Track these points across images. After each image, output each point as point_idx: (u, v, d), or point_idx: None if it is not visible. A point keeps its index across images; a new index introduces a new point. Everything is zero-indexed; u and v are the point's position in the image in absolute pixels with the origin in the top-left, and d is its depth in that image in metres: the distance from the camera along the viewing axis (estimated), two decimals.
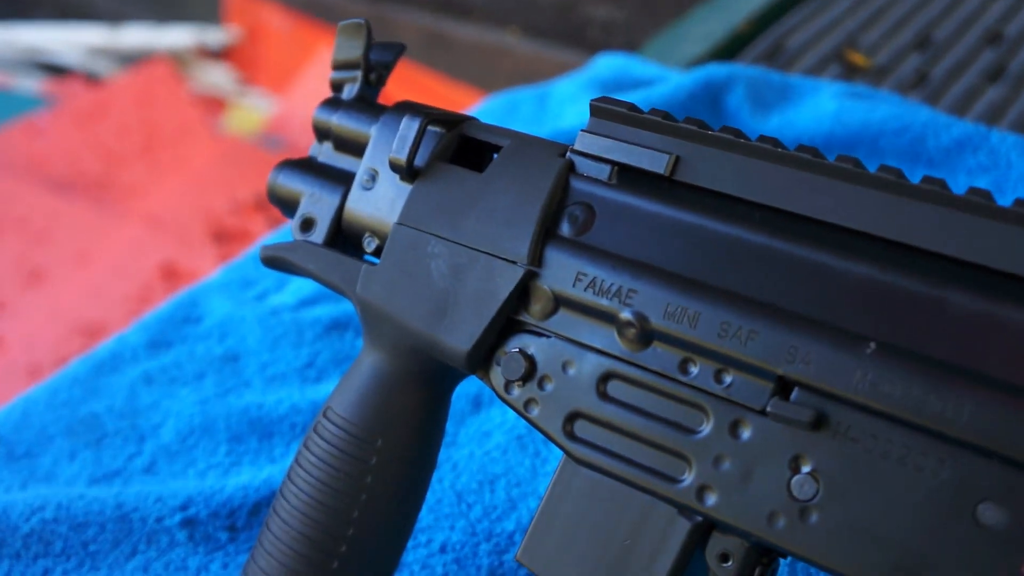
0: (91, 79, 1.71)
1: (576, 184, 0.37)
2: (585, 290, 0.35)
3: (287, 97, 1.70)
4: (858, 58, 0.87)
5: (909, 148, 0.71)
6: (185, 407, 0.60)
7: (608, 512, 0.35)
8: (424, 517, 0.53)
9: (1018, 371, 0.28)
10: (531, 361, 0.36)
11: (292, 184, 0.44)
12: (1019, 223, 0.29)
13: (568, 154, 0.37)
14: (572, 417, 0.35)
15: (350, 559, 0.40)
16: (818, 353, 0.30)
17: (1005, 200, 0.68)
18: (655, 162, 0.35)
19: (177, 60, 1.71)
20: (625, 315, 0.34)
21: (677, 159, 0.35)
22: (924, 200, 0.30)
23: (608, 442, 0.35)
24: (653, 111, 0.36)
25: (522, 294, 0.37)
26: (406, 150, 0.39)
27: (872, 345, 0.30)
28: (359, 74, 0.44)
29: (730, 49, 0.91)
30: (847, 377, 0.30)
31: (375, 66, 0.45)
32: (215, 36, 1.77)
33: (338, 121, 0.44)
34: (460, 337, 0.37)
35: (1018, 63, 0.85)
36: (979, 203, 0.29)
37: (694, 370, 0.33)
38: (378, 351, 0.40)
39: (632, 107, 0.36)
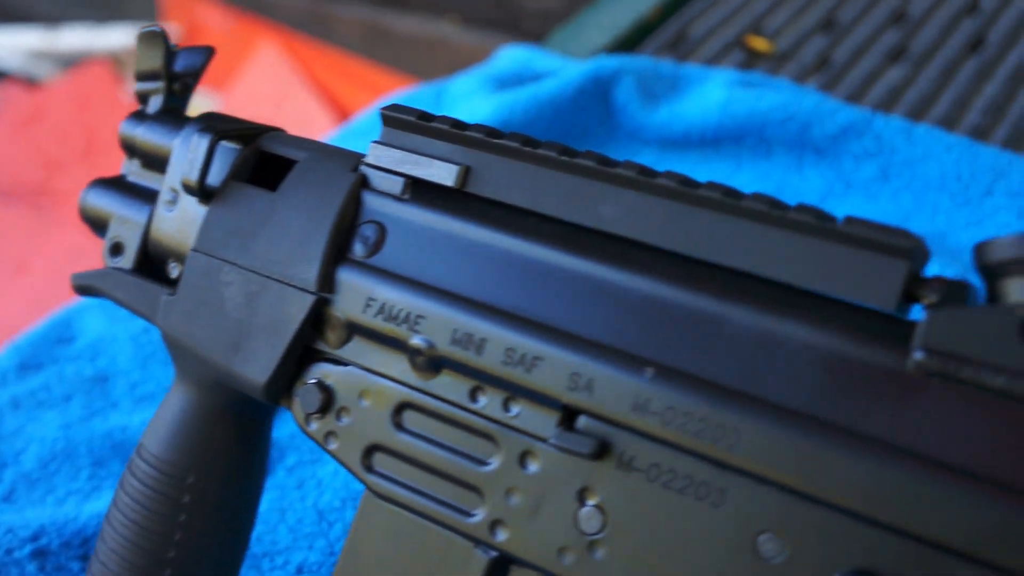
0: (30, 83, 1.69)
1: (369, 200, 0.35)
2: (375, 316, 0.34)
3: (229, 95, 1.68)
4: (760, 43, 0.86)
5: (796, 137, 0.69)
6: (49, 431, 0.59)
7: (410, 547, 0.33)
8: (284, 537, 0.52)
9: (794, 393, 0.27)
10: (328, 392, 0.35)
11: (101, 204, 0.42)
12: (800, 231, 0.27)
13: (361, 167, 0.35)
14: (370, 450, 0.34)
15: None
16: (600, 379, 0.29)
17: (889, 187, 0.67)
18: (445, 174, 0.34)
19: (116, 61, 1.70)
20: (414, 341, 0.33)
21: (467, 170, 0.33)
22: (707, 208, 0.29)
23: (405, 475, 0.33)
24: (443, 118, 0.34)
25: (316, 321, 0.35)
26: (196, 170, 0.37)
27: (651, 370, 0.29)
28: (162, 85, 0.42)
29: (635, 39, 0.90)
30: (627, 404, 0.29)
31: (180, 75, 0.43)
32: None
33: (141, 136, 0.42)
34: (256, 369, 0.35)
35: (919, 42, 0.84)
36: (763, 211, 0.28)
37: (483, 399, 0.32)
38: (185, 384, 0.39)
39: (423, 115, 0.34)
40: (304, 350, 0.35)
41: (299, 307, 0.35)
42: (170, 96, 0.42)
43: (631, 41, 0.89)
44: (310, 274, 0.35)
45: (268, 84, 1.67)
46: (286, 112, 1.59)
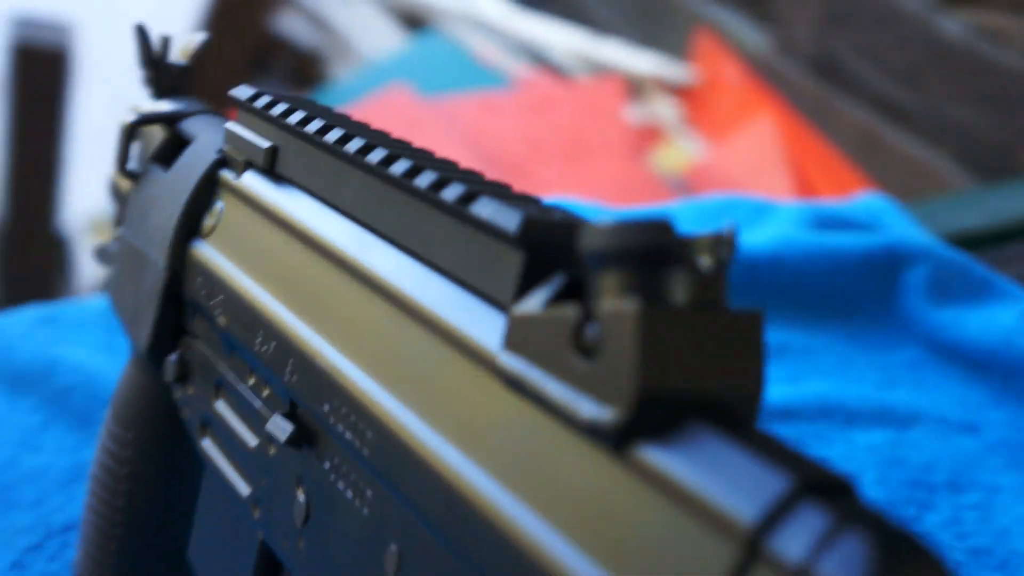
0: (558, 75, 1.88)
1: (222, 179, 0.35)
2: (200, 292, 0.35)
3: (717, 144, 1.73)
4: None
5: None
6: None
7: (220, 514, 0.34)
8: None
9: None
10: (184, 366, 0.36)
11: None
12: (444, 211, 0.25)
13: (223, 148, 0.36)
14: (204, 423, 0.35)
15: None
16: (304, 365, 0.29)
17: None
18: (255, 154, 0.33)
19: (632, 82, 1.81)
20: (219, 321, 0.33)
21: (274, 151, 0.33)
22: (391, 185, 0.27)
23: (221, 447, 0.34)
24: (279, 99, 0.33)
25: (175, 296, 0.36)
26: (117, 155, 0.40)
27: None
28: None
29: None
30: (314, 392, 0.28)
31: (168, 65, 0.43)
32: (677, 71, 1.84)
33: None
34: (141, 341, 0.38)
35: None
36: (416, 188, 0.26)
37: (251, 380, 0.32)
38: (130, 356, 0.41)
39: (260, 96, 0.34)
40: (176, 323, 0.37)
41: (156, 281, 0.36)
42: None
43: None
44: (164, 250, 0.36)
45: (752, 151, 1.69)
46: (757, 183, 1.59)
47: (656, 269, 0.19)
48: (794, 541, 0.16)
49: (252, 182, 0.33)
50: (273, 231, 0.32)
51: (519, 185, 1.77)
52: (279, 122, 0.32)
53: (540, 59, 1.94)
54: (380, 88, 1.80)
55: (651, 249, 0.19)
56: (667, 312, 0.19)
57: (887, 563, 0.15)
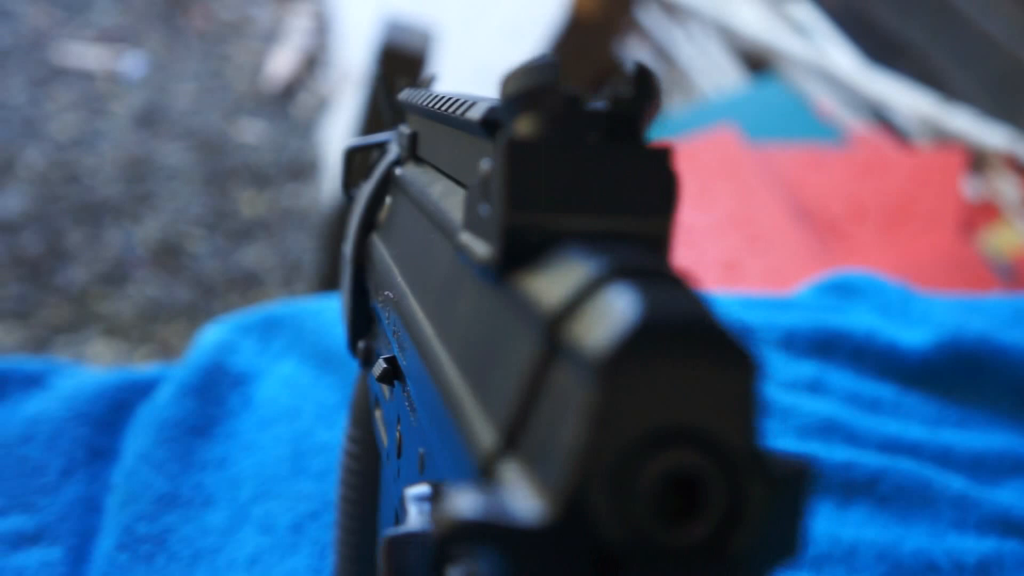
0: (895, 137, 1.80)
1: (392, 175, 0.36)
2: (370, 280, 0.36)
3: None
4: None
5: None
6: None
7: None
8: None
9: None
10: (369, 352, 0.37)
11: None
12: None
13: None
14: (376, 400, 0.36)
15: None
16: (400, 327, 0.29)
17: None
18: (403, 143, 0.34)
19: (975, 154, 1.71)
20: (376, 298, 0.34)
21: (414, 136, 0.34)
22: None
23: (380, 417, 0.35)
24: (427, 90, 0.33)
25: (362, 288, 0.38)
26: (342, 178, 0.42)
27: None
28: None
29: None
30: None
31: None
32: None
33: None
34: (348, 334, 0.39)
35: None
36: None
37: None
38: None
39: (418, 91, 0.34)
40: (366, 313, 0.38)
41: (347, 275, 0.38)
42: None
43: None
44: (351, 245, 0.38)
45: None
46: None
47: (531, 107, 0.18)
48: (588, 323, 0.15)
49: (402, 170, 0.35)
50: (407, 209, 0.33)
51: (831, 245, 1.71)
52: (417, 108, 0.33)
53: (880, 118, 1.87)
54: (708, 126, 1.80)
55: (529, 90, 0.19)
56: (538, 145, 0.18)
57: (647, 331, 0.15)
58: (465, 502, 0.15)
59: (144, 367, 0.58)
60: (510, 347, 0.18)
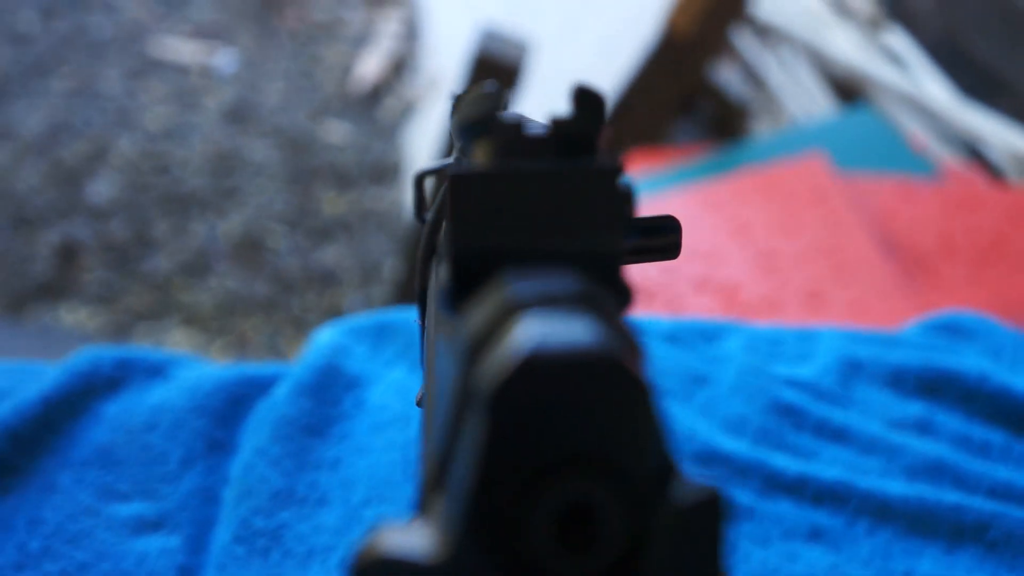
0: (990, 174, 1.77)
1: None
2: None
3: None
4: None
5: None
6: None
7: None
8: None
9: None
10: None
11: None
12: None
13: None
14: None
15: None
16: None
17: None
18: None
19: None
20: None
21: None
22: None
23: None
24: None
25: None
26: (414, 203, 0.43)
27: None
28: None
29: None
30: None
31: None
32: None
33: None
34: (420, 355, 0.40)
35: None
36: None
37: None
38: None
39: None
40: None
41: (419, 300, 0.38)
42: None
43: None
44: (418, 272, 0.37)
45: None
46: None
47: (480, 136, 0.19)
48: (490, 356, 0.15)
49: None
50: None
51: (919, 280, 1.68)
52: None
53: (974, 154, 1.84)
54: (797, 152, 1.78)
55: (479, 118, 0.19)
56: (480, 175, 0.18)
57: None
58: (382, 538, 0.16)
59: (261, 364, 0.59)
60: (452, 378, 0.18)
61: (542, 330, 0.15)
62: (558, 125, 0.19)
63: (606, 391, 0.15)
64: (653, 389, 0.16)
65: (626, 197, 0.20)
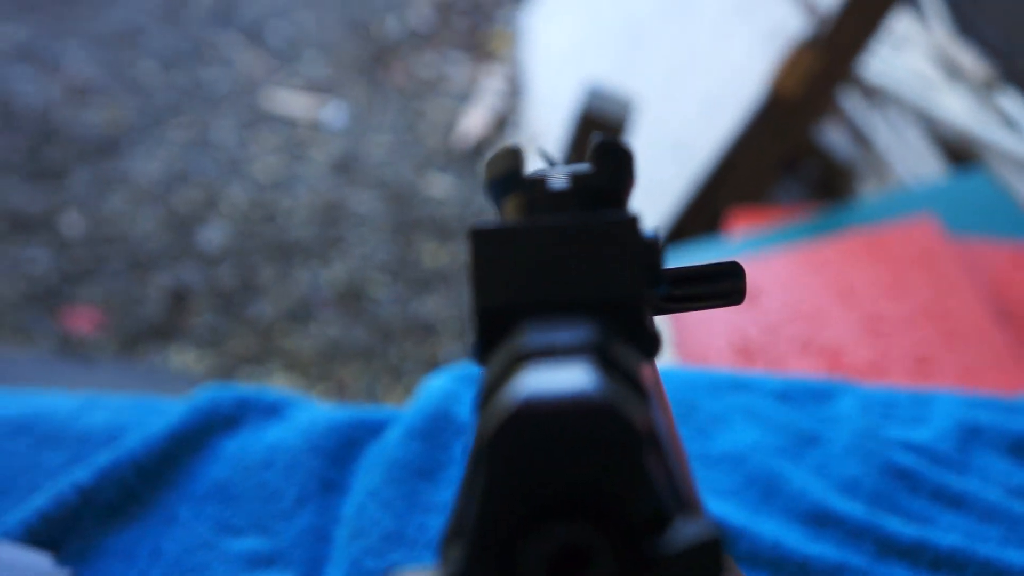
0: None
1: None
2: None
3: None
4: None
5: None
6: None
7: None
8: None
9: None
10: None
11: None
12: None
13: None
14: None
15: None
16: None
17: None
18: None
19: None
20: None
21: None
22: None
23: None
24: None
25: None
26: None
27: None
28: None
29: None
30: None
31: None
32: None
33: None
34: None
35: None
36: None
37: None
38: None
39: None
40: None
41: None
42: None
43: None
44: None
45: None
46: None
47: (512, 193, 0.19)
48: (492, 406, 0.16)
49: None
50: None
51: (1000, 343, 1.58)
52: None
53: None
54: (905, 214, 1.75)
55: (504, 176, 0.20)
56: (500, 231, 0.18)
57: None
58: None
59: (373, 408, 0.60)
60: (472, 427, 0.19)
61: (538, 379, 0.16)
62: (578, 180, 0.20)
63: (598, 436, 0.16)
64: (652, 435, 0.16)
65: (651, 246, 0.20)
